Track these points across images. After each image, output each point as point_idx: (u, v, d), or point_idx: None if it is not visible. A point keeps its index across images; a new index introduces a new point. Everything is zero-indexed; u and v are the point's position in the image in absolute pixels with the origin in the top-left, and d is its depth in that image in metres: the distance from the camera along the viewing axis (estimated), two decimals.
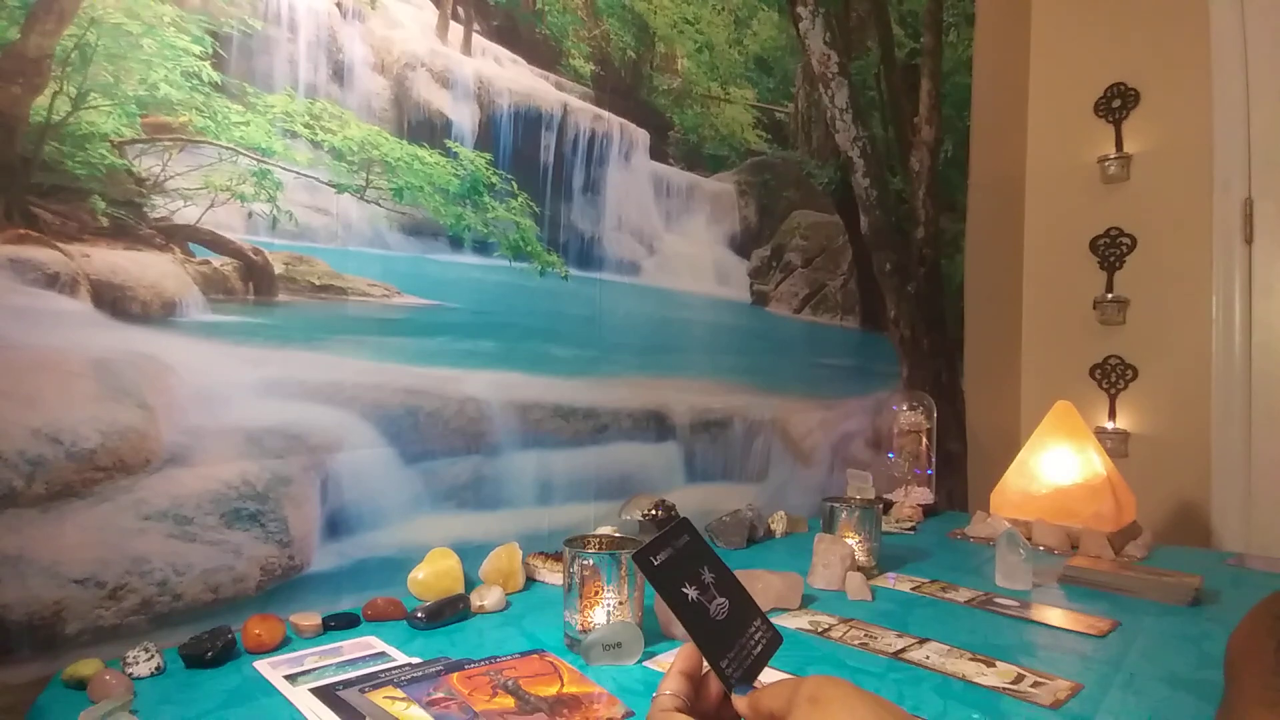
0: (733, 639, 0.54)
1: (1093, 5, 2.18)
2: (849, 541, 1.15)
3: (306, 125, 0.96)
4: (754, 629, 0.56)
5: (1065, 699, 0.74)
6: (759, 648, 0.55)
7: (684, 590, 0.53)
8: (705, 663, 0.52)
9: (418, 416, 1.06)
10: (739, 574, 0.99)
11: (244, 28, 0.91)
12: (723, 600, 0.55)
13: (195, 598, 0.87)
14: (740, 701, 0.50)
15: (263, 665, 0.79)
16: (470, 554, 1.05)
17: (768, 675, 0.77)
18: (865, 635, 0.91)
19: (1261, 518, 1.87)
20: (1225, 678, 0.57)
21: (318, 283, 0.98)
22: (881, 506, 1.29)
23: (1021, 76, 2.28)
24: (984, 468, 1.99)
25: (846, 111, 1.74)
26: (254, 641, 0.82)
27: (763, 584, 1.00)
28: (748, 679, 0.52)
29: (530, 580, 1.09)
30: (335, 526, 0.99)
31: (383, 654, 0.82)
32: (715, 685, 0.52)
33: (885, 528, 1.39)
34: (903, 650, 0.86)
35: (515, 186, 1.18)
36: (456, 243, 1.12)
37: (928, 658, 0.84)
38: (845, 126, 1.75)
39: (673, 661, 0.53)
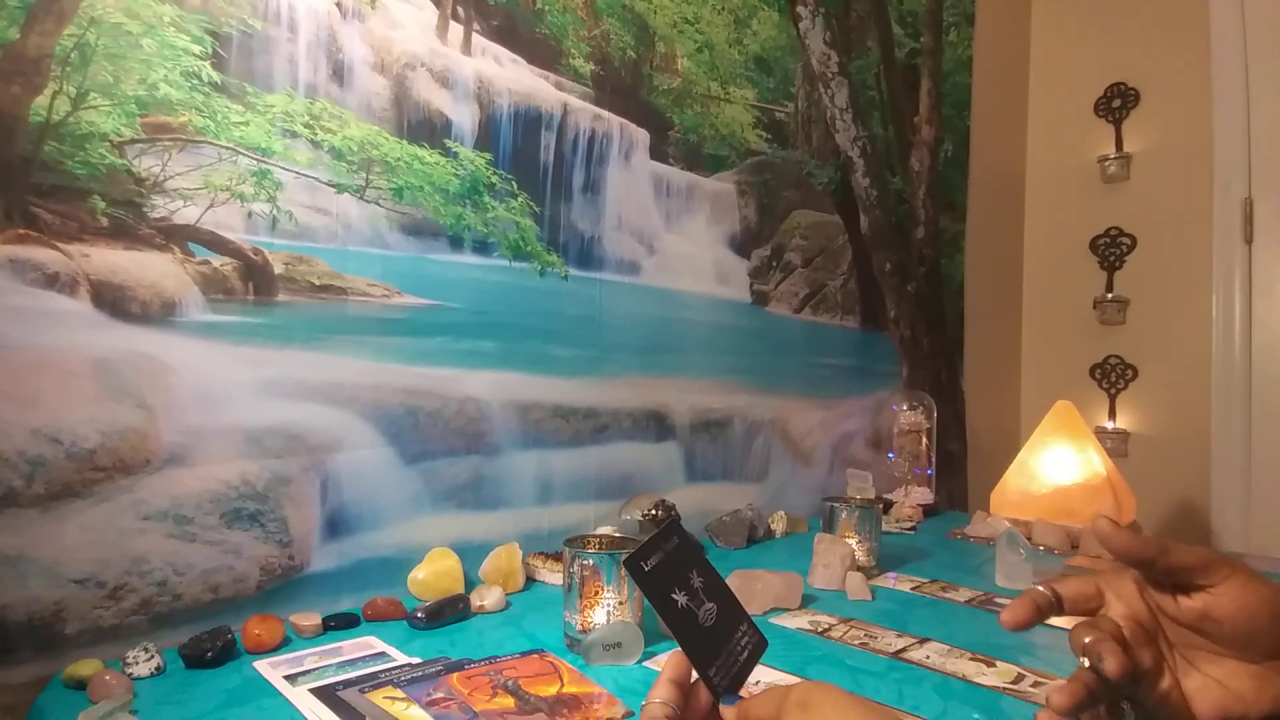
0: (720, 645, 0.53)
1: (1093, 5, 2.18)
2: (849, 541, 1.15)
3: (306, 125, 0.96)
4: (740, 634, 0.56)
5: None
6: (745, 653, 0.55)
7: (673, 596, 0.53)
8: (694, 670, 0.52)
9: (418, 416, 1.06)
10: (739, 574, 1.00)
11: (244, 27, 0.91)
12: (711, 605, 0.54)
13: (195, 598, 0.87)
14: (729, 711, 0.50)
15: (262, 665, 0.79)
16: (470, 554, 1.05)
17: (767, 676, 0.77)
18: (865, 635, 0.91)
19: (1261, 518, 1.87)
20: None
21: (318, 283, 0.98)
22: (881, 506, 1.29)
23: (1021, 76, 2.28)
24: (984, 468, 1.99)
25: (846, 111, 1.74)
26: (254, 641, 0.82)
27: (763, 584, 1.00)
28: (734, 687, 0.52)
29: (530, 580, 1.09)
30: (335, 526, 0.99)
31: (383, 654, 0.82)
32: (704, 693, 0.52)
33: (885, 528, 1.39)
34: (903, 650, 0.86)
35: (515, 186, 1.18)
36: (456, 243, 1.12)
37: (928, 657, 0.84)
38: (845, 126, 1.74)
39: (662, 669, 0.52)
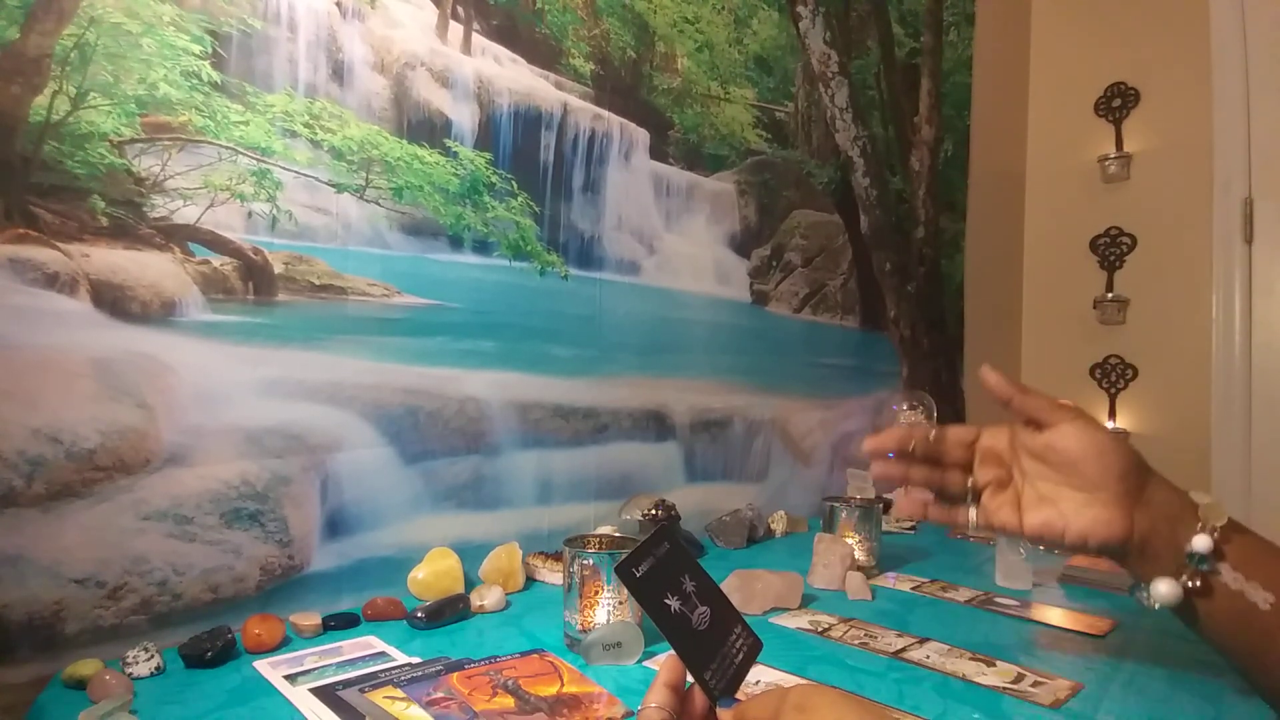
0: (715, 649, 0.53)
1: (1093, 5, 2.18)
2: (849, 541, 1.15)
3: (306, 125, 0.96)
4: (735, 636, 0.56)
5: (1065, 699, 0.74)
6: (740, 655, 0.55)
7: (666, 601, 0.53)
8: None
9: (418, 416, 1.06)
10: (739, 574, 1.00)
11: (244, 27, 0.91)
12: (704, 609, 0.54)
13: (195, 598, 0.87)
14: (725, 714, 0.50)
15: (262, 665, 0.79)
16: (470, 554, 1.05)
17: (767, 676, 0.77)
18: (865, 635, 0.91)
19: (1261, 518, 1.87)
20: None
21: (317, 282, 0.98)
22: (881, 506, 1.29)
23: (1021, 76, 2.28)
24: None
25: (846, 111, 1.74)
26: (254, 641, 0.82)
27: (763, 584, 1.00)
28: (730, 690, 0.52)
29: (530, 580, 1.09)
30: (335, 526, 0.99)
31: (383, 654, 0.82)
32: (700, 697, 0.52)
33: (885, 527, 1.39)
34: (903, 650, 0.86)
35: (515, 186, 1.18)
36: (456, 242, 1.12)
37: (928, 657, 0.84)
38: (845, 126, 1.74)
39: (657, 674, 0.52)
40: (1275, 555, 0.63)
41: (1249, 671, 0.63)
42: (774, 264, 1.63)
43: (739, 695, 0.52)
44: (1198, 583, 0.62)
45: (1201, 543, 0.61)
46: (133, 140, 0.84)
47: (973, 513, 0.70)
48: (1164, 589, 0.62)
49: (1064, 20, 2.23)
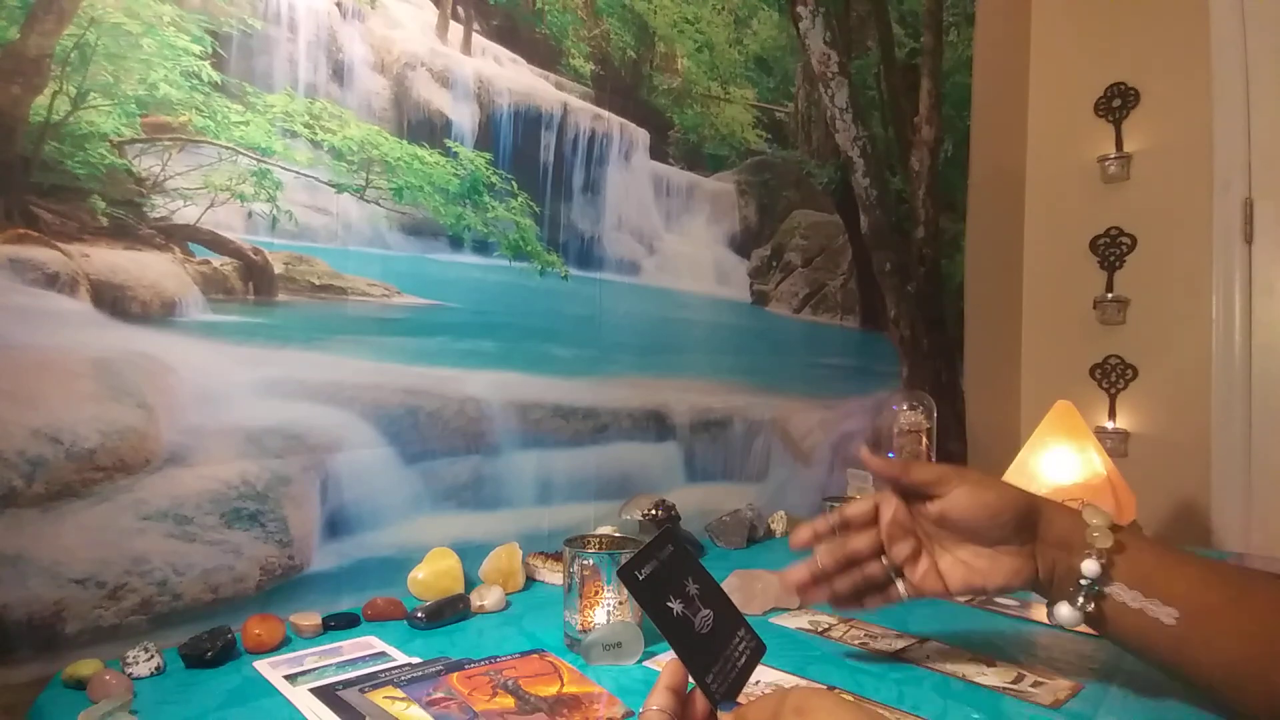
0: (717, 652, 0.53)
1: (1093, 5, 2.18)
2: None
3: (306, 125, 0.96)
4: (738, 639, 0.56)
5: (1065, 699, 0.73)
6: (743, 659, 0.55)
7: (669, 604, 0.53)
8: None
9: (418, 416, 1.06)
10: (739, 574, 1.00)
11: (244, 27, 0.91)
12: (707, 612, 0.54)
13: (195, 598, 0.87)
14: (726, 717, 0.50)
15: (262, 665, 0.79)
16: (470, 554, 1.05)
17: (768, 676, 0.77)
18: (865, 635, 0.91)
19: (1261, 518, 1.87)
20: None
21: (318, 283, 0.98)
22: None
23: (1021, 76, 2.28)
24: (984, 468, 1.97)
25: (846, 111, 1.74)
26: (254, 641, 0.82)
27: (763, 584, 1.00)
28: (731, 694, 0.52)
29: (530, 580, 1.09)
30: (335, 526, 0.99)
31: (383, 654, 0.82)
32: (702, 700, 0.52)
33: None
34: (903, 650, 0.86)
35: (515, 186, 1.18)
36: (456, 243, 1.12)
37: (928, 657, 0.84)
38: (845, 126, 1.74)
39: (659, 676, 0.52)
40: (1174, 567, 0.65)
41: (1179, 682, 0.66)
42: (774, 264, 1.63)
43: (740, 699, 0.52)
44: (1091, 606, 0.66)
45: (1090, 568, 0.65)
46: (133, 140, 0.84)
47: (901, 586, 0.75)
48: (1064, 613, 0.67)
49: (1064, 20, 2.23)
